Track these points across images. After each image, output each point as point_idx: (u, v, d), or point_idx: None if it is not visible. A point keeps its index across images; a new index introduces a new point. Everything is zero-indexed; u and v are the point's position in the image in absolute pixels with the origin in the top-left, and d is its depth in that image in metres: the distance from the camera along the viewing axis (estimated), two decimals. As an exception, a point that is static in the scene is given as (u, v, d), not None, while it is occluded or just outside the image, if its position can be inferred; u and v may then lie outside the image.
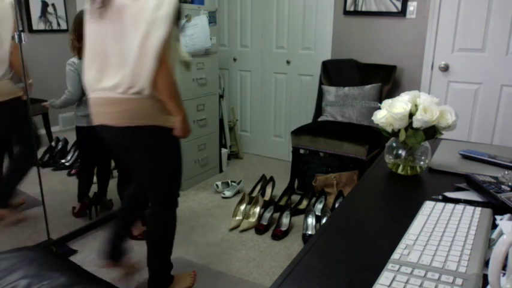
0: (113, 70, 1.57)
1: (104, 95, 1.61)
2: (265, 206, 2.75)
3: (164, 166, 1.76)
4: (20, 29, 2.11)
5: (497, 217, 0.84)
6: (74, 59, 2.28)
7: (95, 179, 2.72)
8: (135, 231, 2.44)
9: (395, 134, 1.10)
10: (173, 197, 1.85)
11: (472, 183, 0.99)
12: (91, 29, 1.62)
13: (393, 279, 0.61)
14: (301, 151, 3.07)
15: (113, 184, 2.73)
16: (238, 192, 3.16)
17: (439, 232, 0.75)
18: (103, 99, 1.62)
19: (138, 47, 1.49)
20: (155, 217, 1.86)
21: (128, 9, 1.50)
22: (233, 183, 3.21)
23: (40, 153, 3.36)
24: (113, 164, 2.97)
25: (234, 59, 3.94)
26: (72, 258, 2.24)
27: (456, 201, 0.94)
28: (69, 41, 2.28)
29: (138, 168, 1.80)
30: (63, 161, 3.40)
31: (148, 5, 1.47)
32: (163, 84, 1.55)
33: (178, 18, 1.63)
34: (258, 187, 3.05)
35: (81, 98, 2.33)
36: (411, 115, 1.06)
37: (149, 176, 1.78)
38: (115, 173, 3.09)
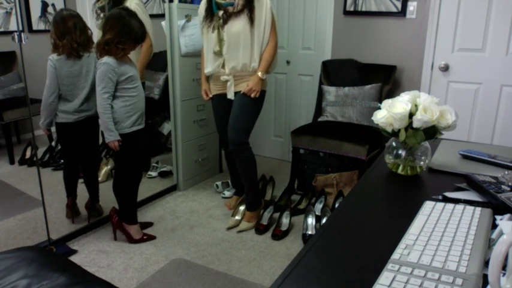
0: None
1: None
2: (265, 206, 2.75)
3: None
4: (20, 29, 2.11)
5: (497, 217, 0.84)
6: (54, 55, 2.27)
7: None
8: (136, 235, 2.44)
9: (395, 134, 1.10)
10: None
11: (472, 183, 0.99)
12: None
13: (393, 279, 0.61)
14: (301, 151, 3.07)
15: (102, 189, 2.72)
16: (238, 192, 3.15)
17: (439, 232, 0.75)
18: None
19: None
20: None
21: None
22: (233, 183, 3.20)
23: (40, 153, 3.36)
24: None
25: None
26: (72, 258, 2.24)
27: (456, 201, 0.94)
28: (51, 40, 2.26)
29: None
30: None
31: None
32: None
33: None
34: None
35: (59, 93, 2.31)
36: (411, 115, 1.06)
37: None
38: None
